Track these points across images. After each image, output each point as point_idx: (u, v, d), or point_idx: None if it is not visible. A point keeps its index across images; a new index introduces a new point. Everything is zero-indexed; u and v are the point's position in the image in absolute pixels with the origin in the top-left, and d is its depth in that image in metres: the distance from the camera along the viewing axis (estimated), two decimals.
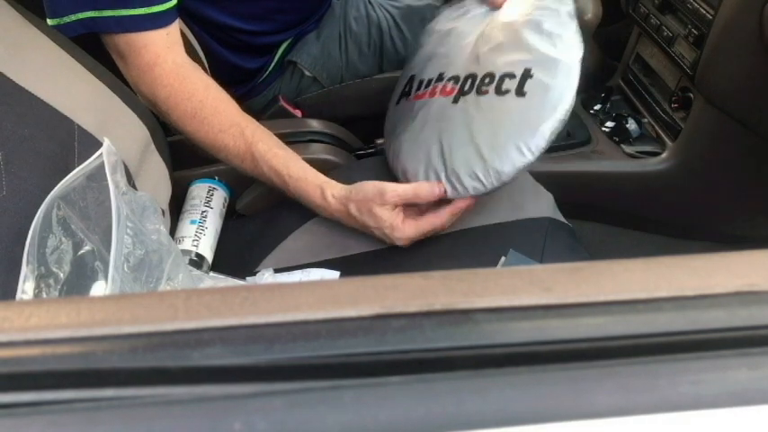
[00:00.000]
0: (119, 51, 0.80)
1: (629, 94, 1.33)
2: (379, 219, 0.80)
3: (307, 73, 1.13)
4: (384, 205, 0.80)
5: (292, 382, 0.25)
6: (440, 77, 0.89)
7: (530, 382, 0.26)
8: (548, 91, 0.78)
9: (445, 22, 0.97)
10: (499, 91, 0.80)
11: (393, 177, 0.90)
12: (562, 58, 0.78)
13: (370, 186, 0.81)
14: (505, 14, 0.87)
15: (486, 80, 0.82)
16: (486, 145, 0.79)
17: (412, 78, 0.95)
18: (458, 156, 0.81)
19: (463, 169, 0.80)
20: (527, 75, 0.79)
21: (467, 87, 0.84)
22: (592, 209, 1.23)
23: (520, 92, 0.78)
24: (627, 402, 0.25)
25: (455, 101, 0.84)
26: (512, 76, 0.80)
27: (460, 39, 0.91)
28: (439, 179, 0.82)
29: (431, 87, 0.89)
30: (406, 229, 0.81)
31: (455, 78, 0.86)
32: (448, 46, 0.92)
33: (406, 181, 0.87)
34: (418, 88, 0.92)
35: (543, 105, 0.78)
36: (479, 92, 0.82)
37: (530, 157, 0.78)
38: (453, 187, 0.82)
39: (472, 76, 0.84)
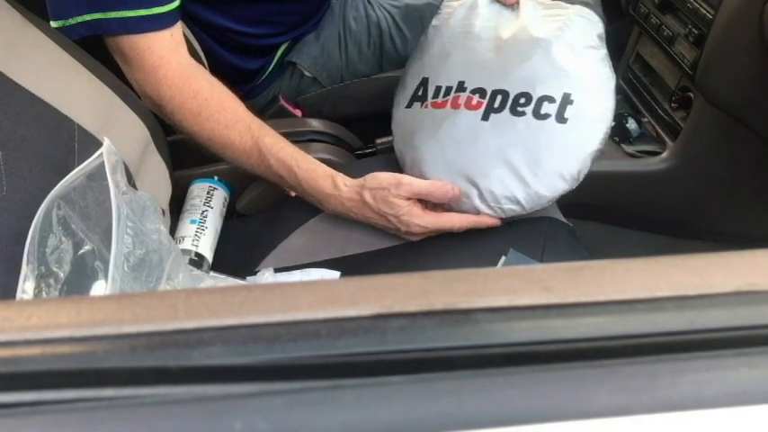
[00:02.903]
0: (122, 53, 0.80)
1: (629, 93, 1.33)
2: (396, 206, 0.81)
3: (306, 73, 1.13)
4: (398, 196, 0.80)
5: (292, 381, 0.25)
6: (461, 87, 0.85)
7: (530, 381, 0.26)
8: (588, 118, 0.79)
9: (457, 19, 0.91)
10: (538, 114, 0.79)
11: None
12: (599, 86, 0.80)
13: (386, 176, 0.82)
14: (531, 26, 0.84)
15: (522, 100, 0.80)
16: (528, 170, 0.79)
17: (425, 81, 0.90)
18: (493, 177, 0.80)
19: (500, 191, 0.80)
20: (567, 100, 0.79)
21: (497, 104, 0.82)
22: (592, 208, 1.23)
23: (561, 118, 0.79)
24: (627, 402, 0.25)
25: (485, 118, 0.82)
26: (551, 99, 0.79)
27: (478, 44, 0.87)
28: (471, 199, 0.82)
29: (451, 96, 0.86)
30: (425, 217, 0.82)
31: (480, 92, 0.83)
32: (465, 50, 0.87)
33: None
34: (435, 95, 0.88)
35: (584, 133, 0.79)
36: (515, 112, 0.80)
37: (573, 184, 0.80)
38: (488, 206, 0.82)
39: (502, 93, 0.82)
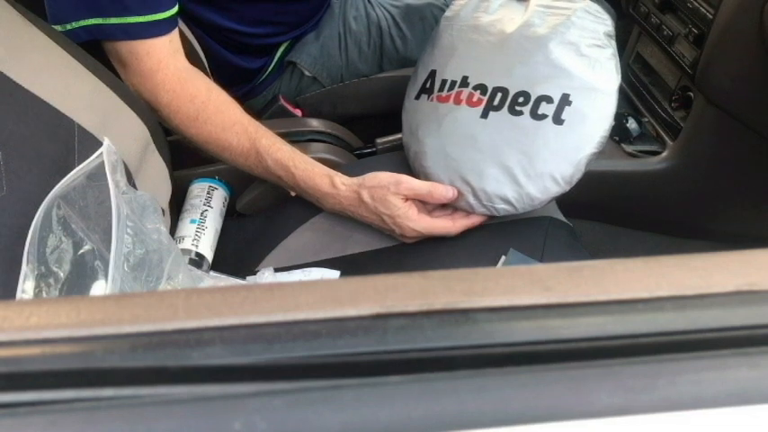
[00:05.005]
0: (120, 58, 0.80)
1: (629, 93, 1.33)
2: (392, 206, 0.81)
3: (306, 73, 1.13)
4: (397, 195, 0.81)
5: (292, 381, 0.25)
6: (464, 82, 0.84)
7: (530, 381, 0.26)
8: (585, 120, 0.78)
9: (468, 11, 0.90)
10: (535, 114, 0.78)
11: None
12: (601, 87, 0.78)
13: (386, 175, 0.82)
14: (536, 21, 0.83)
15: (520, 99, 0.80)
16: (521, 171, 0.79)
17: (433, 74, 0.90)
18: (487, 176, 0.80)
19: (493, 190, 0.80)
20: (565, 101, 0.78)
21: (496, 102, 0.81)
22: (592, 208, 1.23)
23: (557, 119, 0.78)
24: (627, 402, 0.25)
25: (484, 115, 0.81)
26: (549, 100, 0.78)
27: (484, 38, 0.86)
28: (465, 196, 0.82)
29: (455, 91, 0.85)
30: (420, 221, 0.81)
31: (482, 88, 0.83)
32: (471, 45, 0.87)
33: None
34: (441, 88, 0.87)
35: (581, 136, 0.78)
36: (513, 111, 0.80)
37: (565, 188, 0.79)
38: (482, 205, 0.82)
39: (502, 91, 0.81)
